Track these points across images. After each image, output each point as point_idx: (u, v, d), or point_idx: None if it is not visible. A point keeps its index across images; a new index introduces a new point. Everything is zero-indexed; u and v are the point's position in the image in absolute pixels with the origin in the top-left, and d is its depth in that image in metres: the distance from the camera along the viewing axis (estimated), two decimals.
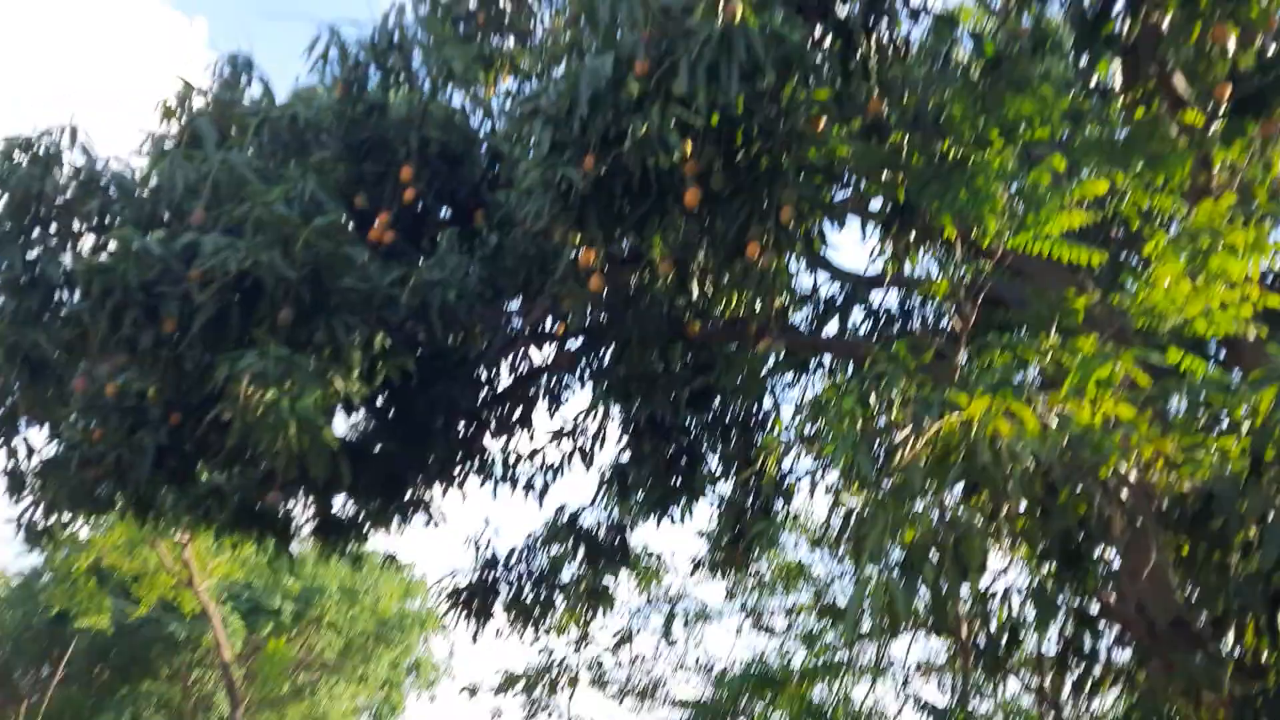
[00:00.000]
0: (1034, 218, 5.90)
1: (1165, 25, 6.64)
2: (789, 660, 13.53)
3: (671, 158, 5.74)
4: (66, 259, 7.39)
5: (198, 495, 10.32)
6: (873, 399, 5.57)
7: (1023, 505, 5.17)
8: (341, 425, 10.09)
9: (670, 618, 14.41)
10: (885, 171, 6.98)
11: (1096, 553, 5.79)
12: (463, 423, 9.85)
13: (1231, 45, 6.07)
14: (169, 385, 7.86)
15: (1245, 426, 5.64)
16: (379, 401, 9.42)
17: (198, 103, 8.40)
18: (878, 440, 5.39)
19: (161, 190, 7.23)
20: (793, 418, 9.39)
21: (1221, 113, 6.91)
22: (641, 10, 5.68)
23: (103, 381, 7.24)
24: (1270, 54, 6.48)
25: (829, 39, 6.26)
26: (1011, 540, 5.40)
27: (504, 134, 7.68)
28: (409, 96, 7.92)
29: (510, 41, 13.96)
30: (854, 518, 5.23)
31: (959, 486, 5.64)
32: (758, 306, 7.85)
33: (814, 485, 10.61)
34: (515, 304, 9.87)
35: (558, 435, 11.79)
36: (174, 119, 8.24)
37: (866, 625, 5.18)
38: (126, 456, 8.18)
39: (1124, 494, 5.12)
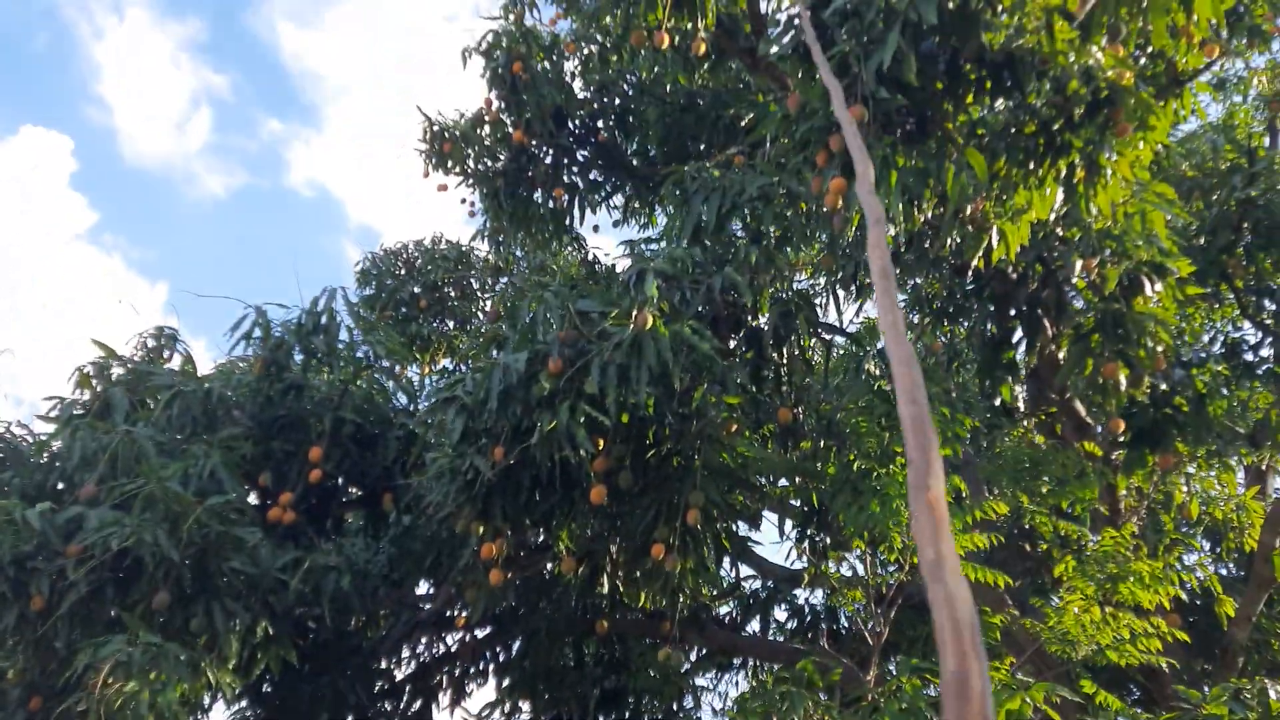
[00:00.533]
0: None
1: (1062, 357, 6.98)
2: None
3: (579, 454, 5.71)
4: None
5: None
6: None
7: None
8: (220, 713, 9.38)
9: None
10: (797, 478, 7.00)
11: None
12: (351, 717, 9.16)
13: (1123, 381, 6.34)
14: (32, 666, 7.28)
15: None
16: (265, 688, 8.79)
17: (116, 372, 8.32)
18: None
19: (58, 460, 6.99)
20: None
21: (1120, 442, 7.14)
22: (559, 312, 5.83)
23: None
24: (1161, 390, 6.78)
25: (742, 348, 6.44)
26: None
27: (419, 418, 7.66)
28: (330, 379, 7.93)
29: (450, 326, 14.41)
30: None
31: None
32: (671, 603, 7.61)
33: None
34: (422, 590, 9.51)
35: None
36: (89, 387, 8.11)
37: None
38: None
39: None
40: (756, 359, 6.57)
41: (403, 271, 14.29)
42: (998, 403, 7.46)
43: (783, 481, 8.14)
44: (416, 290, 14.17)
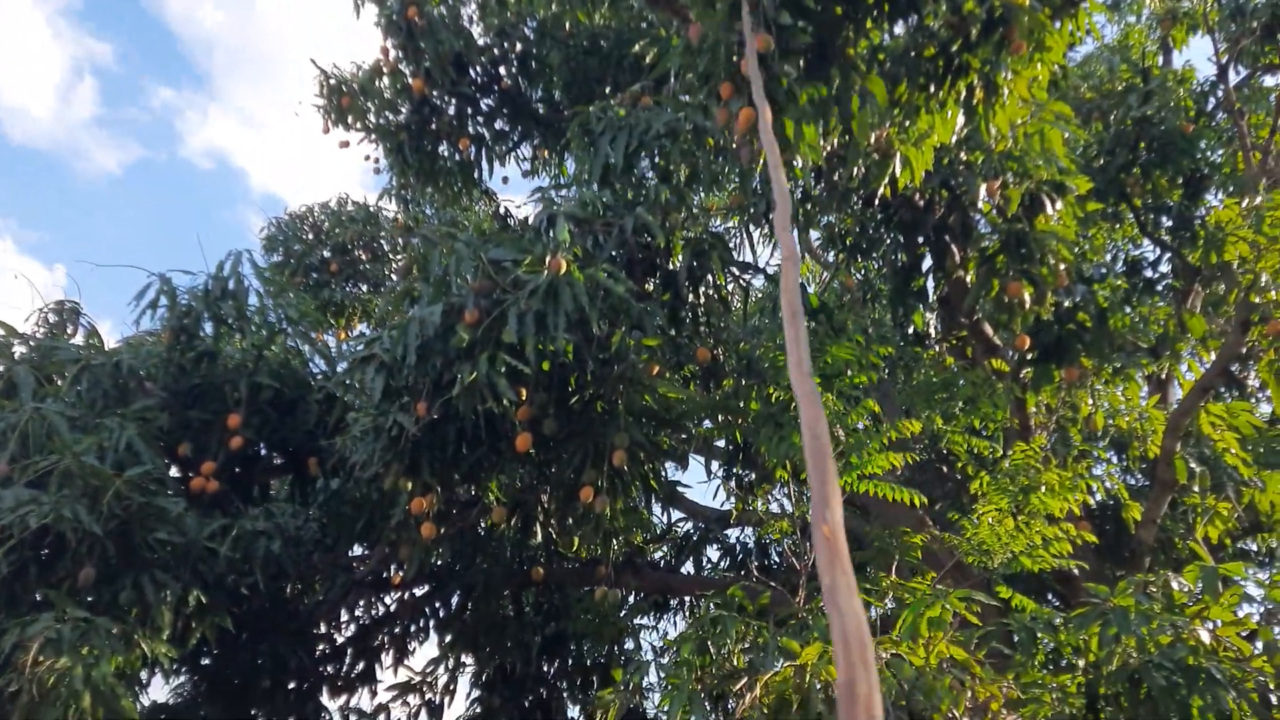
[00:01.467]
0: (856, 459, 6.05)
1: (969, 280, 7.18)
2: None
3: (502, 404, 5.73)
4: None
5: None
6: (710, 646, 5.41)
7: None
8: (160, 688, 9.29)
9: None
10: (720, 416, 7.12)
11: None
12: (294, 682, 9.16)
13: (1028, 300, 6.55)
14: None
15: (1080, 664, 5.69)
16: (203, 660, 8.73)
17: (19, 350, 8.07)
18: (716, 688, 5.20)
19: None
20: (634, 671, 9.13)
21: (1028, 360, 7.39)
22: (472, 263, 5.81)
23: None
24: (1065, 307, 7.03)
25: (658, 291, 6.49)
26: None
27: (338, 379, 7.59)
28: (242, 344, 7.79)
29: (364, 289, 14.21)
30: None
31: None
32: (604, 546, 7.72)
33: None
34: (356, 552, 9.49)
35: (404, 690, 11.08)
36: None
37: None
38: None
39: None
40: (673, 300, 6.64)
41: (310, 236, 14.01)
42: (910, 331, 7.65)
43: (706, 423, 8.27)
44: (326, 254, 13.91)
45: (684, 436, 8.29)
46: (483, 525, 9.18)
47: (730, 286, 6.99)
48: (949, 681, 4.85)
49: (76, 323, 8.09)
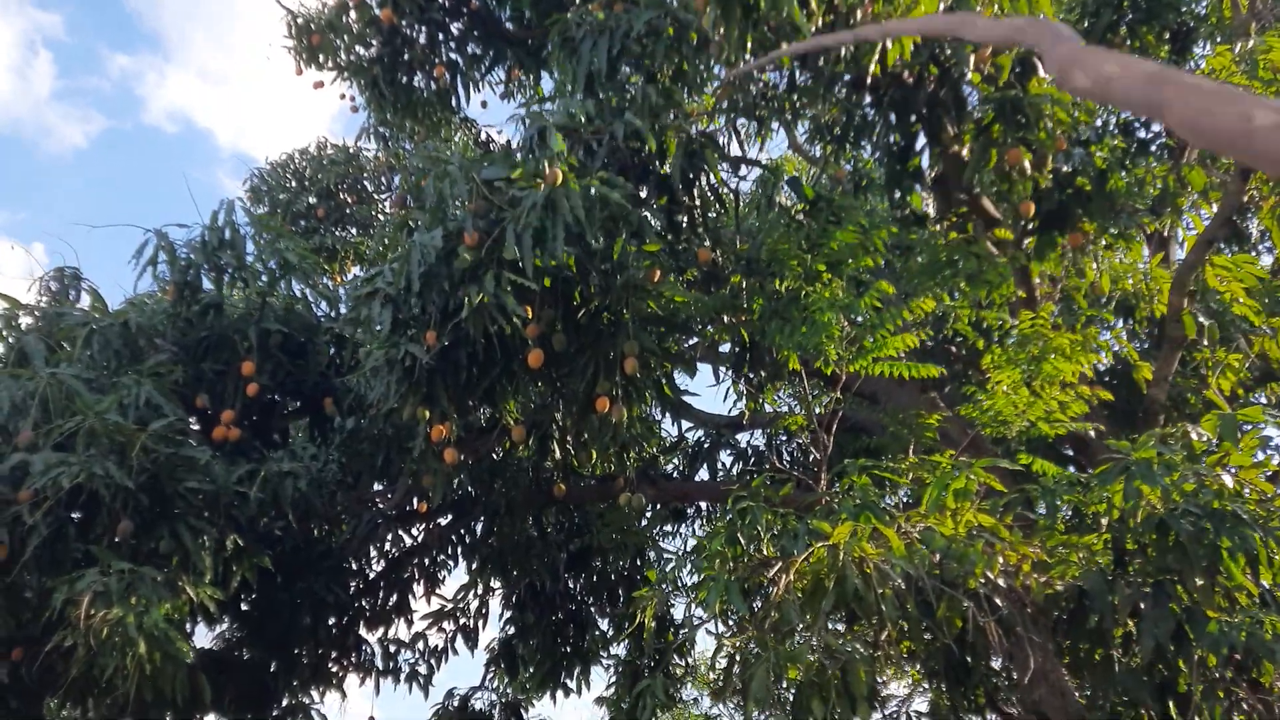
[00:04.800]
0: (869, 342, 6.10)
1: (965, 154, 7.13)
2: None
3: (510, 322, 5.75)
4: None
5: None
6: (740, 538, 5.52)
7: (901, 626, 5.14)
8: (205, 637, 9.50)
9: None
10: (726, 316, 7.14)
11: (983, 665, 5.76)
12: (333, 618, 9.36)
13: (1028, 166, 6.52)
14: (6, 618, 7.27)
15: (1105, 522, 5.81)
16: (242, 606, 8.91)
17: (25, 321, 8.08)
18: (750, 578, 5.32)
19: None
20: (669, 568, 9.23)
21: (1030, 228, 7.39)
22: (466, 184, 5.78)
23: None
24: (1065, 171, 7.00)
25: (653, 195, 6.47)
26: (897, 664, 5.34)
27: (345, 318, 7.59)
28: (245, 292, 7.79)
29: (353, 233, 14.12)
30: (736, 662, 5.09)
31: (842, 616, 5.60)
32: (621, 458, 7.81)
33: (694, 634, 10.32)
34: (378, 488, 9.60)
35: (438, 617, 11.33)
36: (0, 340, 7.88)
37: None
38: None
39: (998, 602, 5.14)
40: (669, 204, 6.61)
41: (294, 184, 13.88)
42: (908, 213, 7.63)
43: (711, 327, 8.30)
44: (312, 201, 13.79)
45: (691, 343, 8.34)
46: (501, 450, 9.29)
47: (724, 182, 6.92)
48: (980, 546, 4.96)
49: (79, 288, 8.08)
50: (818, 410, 7.69)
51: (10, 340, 7.79)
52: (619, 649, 11.83)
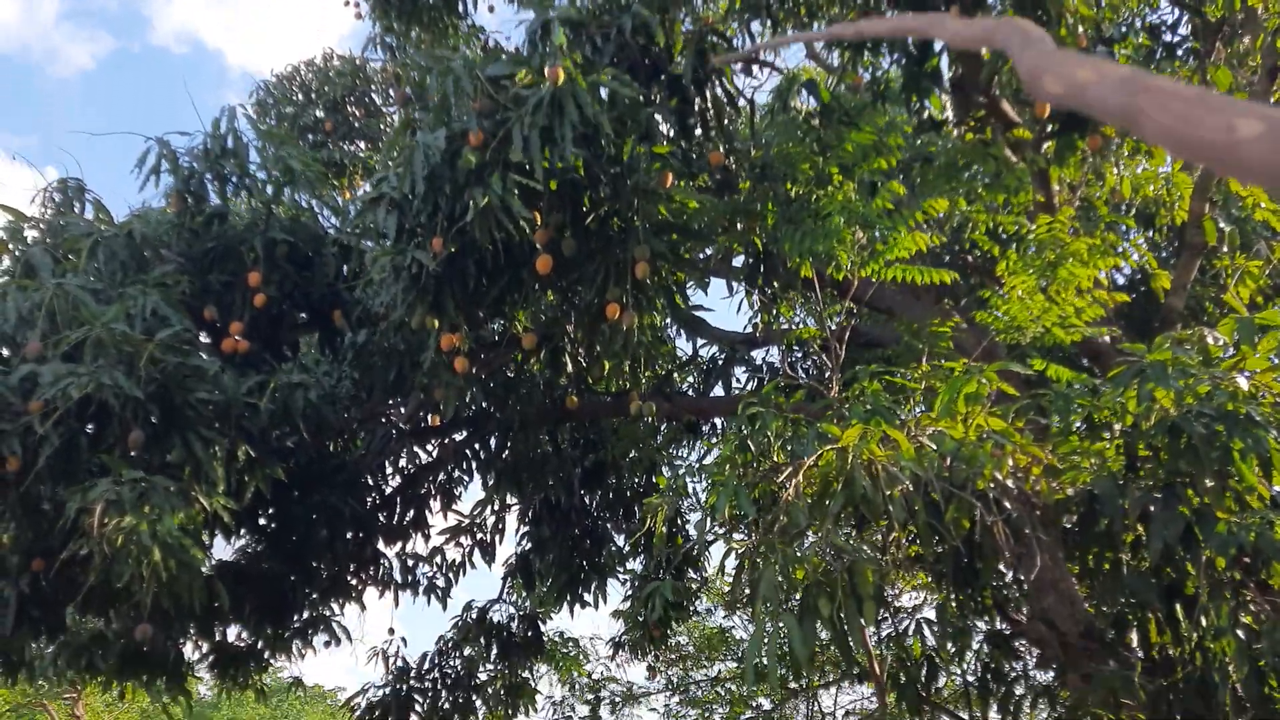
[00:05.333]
0: (882, 245, 5.98)
1: (984, 55, 6.92)
2: None
3: (516, 224, 5.65)
4: None
5: (79, 645, 9.67)
6: (751, 444, 5.49)
7: (908, 528, 5.13)
8: (224, 550, 9.62)
9: (596, 704, 13.95)
10: (738, 223, 7.02)
11: (991, 570, 5.76)
12: (350, 532, 9.45)
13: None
14: (24, 529, 7.37)
15: (1117, 428, 5.75)
16: (260, 520, 9.00)
17: (31, 234, 8.03)
18: (760, 484, 5.30)
19: None
20: (680, 473, 9.23)
21: (1050, 131, 7.19)
22: (470, 83, 5.63)
23: None
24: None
25: (664, 97, 6.30)
26: (904, 567, 5.34)
27: (352, 225, 7.50)
28: (250, 201, 7.70)
29: (361, 147, 13.95)
30: (746, 564, 5.10)
31: (851, 522, 5.59)
32: (634, 372, 7.76)
33: (703, 542, 10.39)
34: (390, 403, 9.61)
35: (454, 533, 11.45)
36: (4, 252, 7.84)
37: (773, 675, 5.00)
38: None
39: (1006, 505, 5.11)
40: (680, 105, 6.45)
41: (300, 97, 13.68)
42: (927, 117, 7.44)
43: (723, 239, 8.16)
44: (319, 115, 13.60)
45: (705, 254, 8.23)
46: (513, 364, 9.27)
47: (738, 90, 6.73)
48: (990, 447, 4.92)
49: (82, 200, 8.01)
50: (831, 325, 7.60)
51: (16, 253, 7.75)
52: (635, 564, 11.99)
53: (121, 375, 6.14)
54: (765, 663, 4.43)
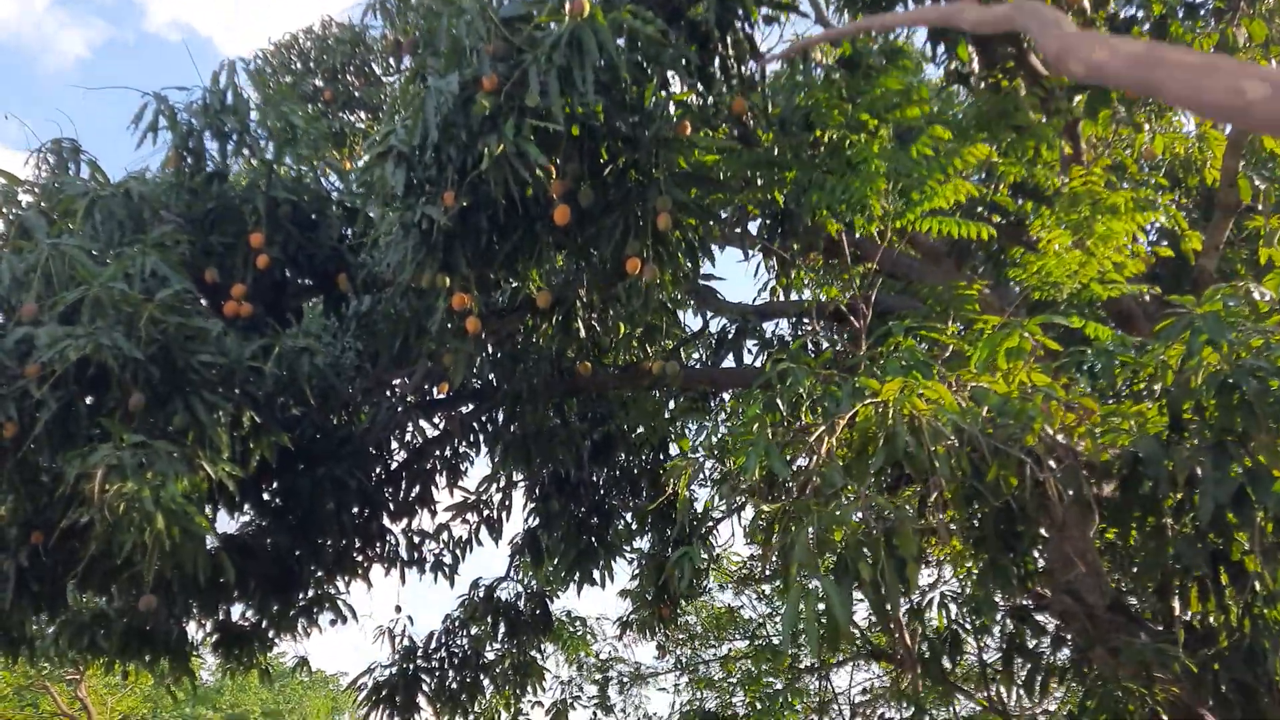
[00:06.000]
0: (918, 194, 5.71)
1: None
2: (729, 708, 13.01)
3: (533, 173, 5.37)
4: None
5: (80, 624, 9.45)
6: (780, 403, 5.24)
7: (948, 490, 4.88)
8: (228, 525, 9.39)
9: (604, 684, 13.74)
10: (758, 178, 6.74)
11: (1033, 535, 5.51)
12: (356, 507, 9.20)
13: (1087, 4, 6.05)
14: (22, 500, 7.12)
15: (1159, 386, 5.51)
16: (264, 495, 8.75)
17: (25, 199, 7.76)
18: (791, 442, 5.05)
19: None
20: (702, 438, 8.92)
21: (1081, 87, 6.93)
22: (483, 24, 5.35)
23: None
24: (1121, 19, 6.53)
25: (684, 41, 6.01)
26: (944, 531, 5.09)
27: (358, 182, 7.22)
28: (250, 161, 7.41)
29: (362, 116, 13.62)
30: (777, 528, 4.85)
31: (886, 482, 5.35)
32: (650, 333, 7.50)
33: (730, 514, 10.15)
34: (396, 378, 9.36)
35: (460, 509, 11.21)
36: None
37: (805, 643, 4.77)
38: None
39: (1053, 464, 4.87)
40: (701, 53, 6.16)
41: (299, 65, 13.32)
42: (953, 68, 7.17)
43: (740, 204, 7.89)
44: (319, 83, 13.26)
45: (722, 215, 7.95)
46: (522, 334, 9.02)
47: (759, 26, 6.42)
48: (1040, 400, 4.67)
49: (77, 161, 7.73)
50: (853, 290, 7.35)
51: (10, 217, 7.49)
52: (643, 542, 11.76)
53: (121, 336, 5.88)
54: (803, 627, 4.19)
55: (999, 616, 7.92)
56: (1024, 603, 7.58)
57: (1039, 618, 7.59)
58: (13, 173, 7.71)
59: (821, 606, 4.26)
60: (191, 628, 10.04)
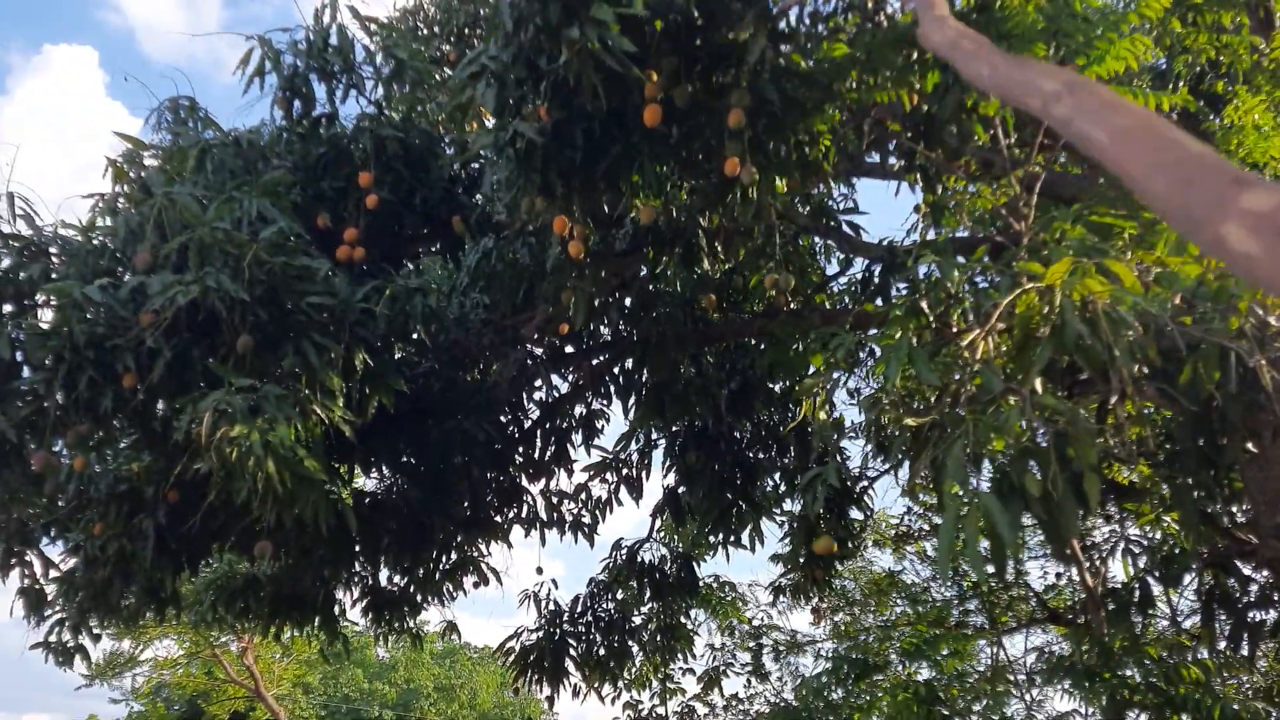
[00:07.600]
0: (1084, 59, 4.90)
1: None
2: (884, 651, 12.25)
3: (622, 65, 4.81)
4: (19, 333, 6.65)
5: (234, 589, 9.59)
6: (925, 306, 4.60)
7: (1130, 395, 4.14)
8: (364, 484, 9.33)
9: (758, 650, 13.19)
10: (892, 81, 6.00)
11: (1237, 449, 4.68)
12: (490, 463, 8.95)
13: None
14: (155, 458, 7.13)
15: None
16: (394, 452, 8.58)
17: (149, 161, 7.78)
18: (940, 348, 4.41)
19: (106, 241, 6.53)
20: (839, 352, 8.24)
21: None
22: None
23: (69, 456, 6.49)
24: None
25: None
26: (1128, 446, 4.35)
27: (450, 105, 6.89)
28: (358, 101, 7.18)
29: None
30: (925, 442, 4.21)
31: (1058, 387, 4.63)
32: (768, 238, 6.88)
33: (889, 468, 9.40)
34: (520, 326, 9.04)
35: (598, 469, 10.87)
36: (124, 178, 7.59)
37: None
38: (127, 546, 7.44)
39: (1262, 360, 4.07)
40: None
41: (424, 31, 13.12)
42: None
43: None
44: (445, 48, 13.04)
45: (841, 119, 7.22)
46: (647, 273, 8.56)
47: None
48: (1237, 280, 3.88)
49: (196, 119, 7.67)
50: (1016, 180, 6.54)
51: (134, 178, 7.50)
52: (793, 505, 11.14)
53: (226, 278, 5.69)
54: (965, 548, 3.57)
55: (1194, 566, 7.03)
56: (1224, 547, 6.71)
57: (1243, 568, 6.70)
58: (137, 138, 7.73)
59: (983, 524, 3.63)
60: (339, 593, 10.08)
